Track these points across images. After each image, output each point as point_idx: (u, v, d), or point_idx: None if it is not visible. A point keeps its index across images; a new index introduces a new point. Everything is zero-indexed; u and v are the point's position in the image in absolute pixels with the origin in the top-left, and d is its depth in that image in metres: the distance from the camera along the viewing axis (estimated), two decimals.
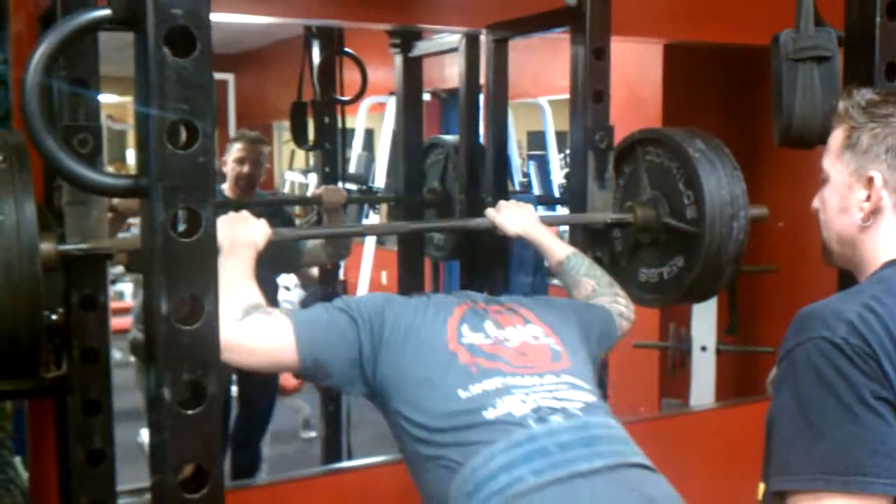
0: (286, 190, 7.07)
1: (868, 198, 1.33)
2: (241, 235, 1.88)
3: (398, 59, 3.14)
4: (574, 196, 2.41)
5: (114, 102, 10.55)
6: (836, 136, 1.37)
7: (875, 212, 1.33)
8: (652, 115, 4.06)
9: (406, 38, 3.12)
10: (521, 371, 1.70)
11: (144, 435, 3.19)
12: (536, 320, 1.86)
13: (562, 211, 4.56)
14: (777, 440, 1.20)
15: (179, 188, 1.19)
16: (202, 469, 1.23)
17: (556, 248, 2.21)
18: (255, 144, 3.54)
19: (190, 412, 1.21)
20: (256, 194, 3.56)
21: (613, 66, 4.15)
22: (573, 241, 2.48)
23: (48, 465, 2.13)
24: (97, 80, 1.88)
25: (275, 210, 3.45)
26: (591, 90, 2.36)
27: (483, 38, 2.82)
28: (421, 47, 3.11)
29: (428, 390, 1.67)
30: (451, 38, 2.95)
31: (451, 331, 1.76)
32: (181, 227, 1.20)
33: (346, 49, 3.76)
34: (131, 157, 10.68)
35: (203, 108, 1.20)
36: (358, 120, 5.99)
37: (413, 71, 3.14)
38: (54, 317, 1.95)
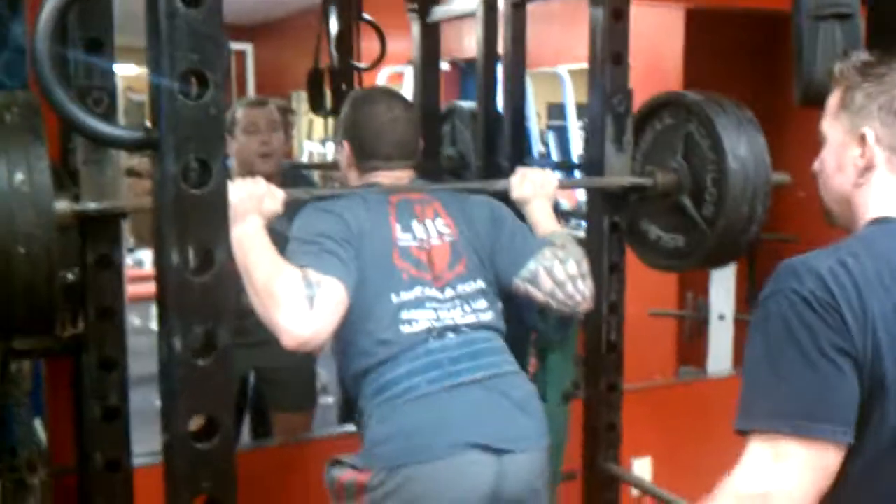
0: (305, 160, 7.07)
1: (862, 154, 1.35)
2: (254, 201, 1.89)
3: (415, 25, 3.11)
4: (591, 160, 2.39)
5: (134, 74, 10.59)
6: (833, 98, 1.39)
7: (868, 168, 1.35)
8: (673, 81, 4.01)
9: (424, 2, 3.09)
10: (434, 283, 2.01)
11: None
12: (444, 214, 2.09)
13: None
14: (744, 383, 1.26)
15: (190, 139, 1.19)
16: (213, 420, 1.24)
17: (546, 223, 2.18)
18: (264, 107, 3.06)
19: (201, 363, 1.22)
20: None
21: (634, 31, 4.11)
22: (590, 207, 2.48)
23: (65, 425, 2.14)
24: (112, 42, 1.88)
25: (297, 179, 3.34)
26: (609, 52, 2.34)
27: (501, 2, 2.80)
28: (438, 12, 3.08)
29: (371, 286, 1.95)
30: (469, 2, 2.92)
31: (393, 231, 2.02)
32: (192, 179, 1.20)
33: (365, 15, 3.74)
34: None
35: (214, 59, 1.20)
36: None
37: (430, 36, 3.12)
38: (71, 276, 1.96)
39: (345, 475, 1.97)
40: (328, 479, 2.01)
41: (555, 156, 6.22)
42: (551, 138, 6.43)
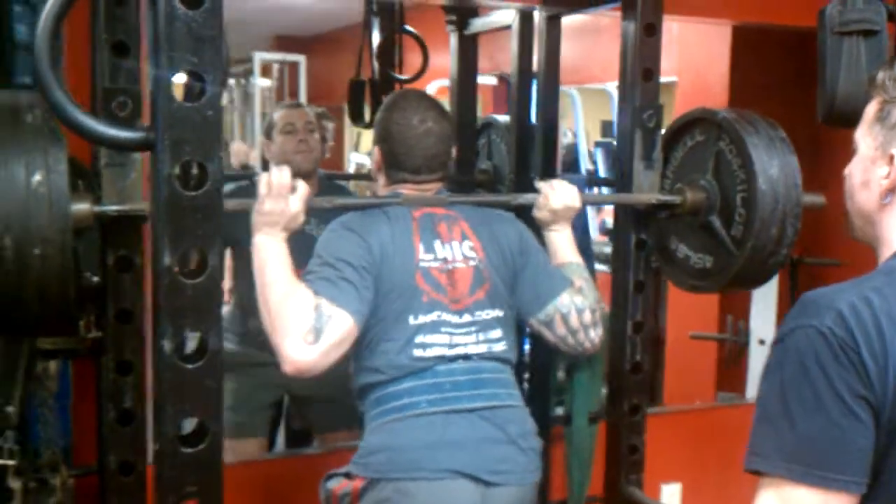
0: (352, 171, 7.09)
1: (887, 175, 1.27)
2: (284, 218, 1.87)
3: (453, 38, 3.11)
4: (620, 176, 2.36)
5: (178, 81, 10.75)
6: (871, 107, 1.31)
7: (892, 190, 1.28)
8: (718, 99, 3.96)
9: (462, 15, 3.09)
10: (451, 306, 2.01)
11: None
12: (472, 235, 2.08)
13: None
14: (755, 418, 1.20)
15: (186, 141, 1.19)
16: (202, 424, 1.24)
17: (564, 252, 2.17)
18: (300, 109, 3.13)
19: (190, 366, 1.22)
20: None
21: (679, 48, 4.07)
22: (617, 223, 2.44)
23: (90, 426, 2.16)
24: (138, 45, 1.89)
25: (333, 189, 3.31)
26: (640, 68, 2.30)
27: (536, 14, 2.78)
28: (476, 25, 3.07)
29: (391, 308, 1.96)
30: (506, 15, 2.90)
31: (416, 252, 2.01)
32: (188, 181, 1.20)
33: (407, 27, 3.74)
34: None
35: (212, 61, 1.20)
36: None
37: (468, 49, 3.11)
38: (96, 278, 1.98)
39: (339, 486, 1.99)
40: (323, 493, 2.03)
41: (602, 173, 6.16)
42: (599, 155, 6.38)
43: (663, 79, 4.44)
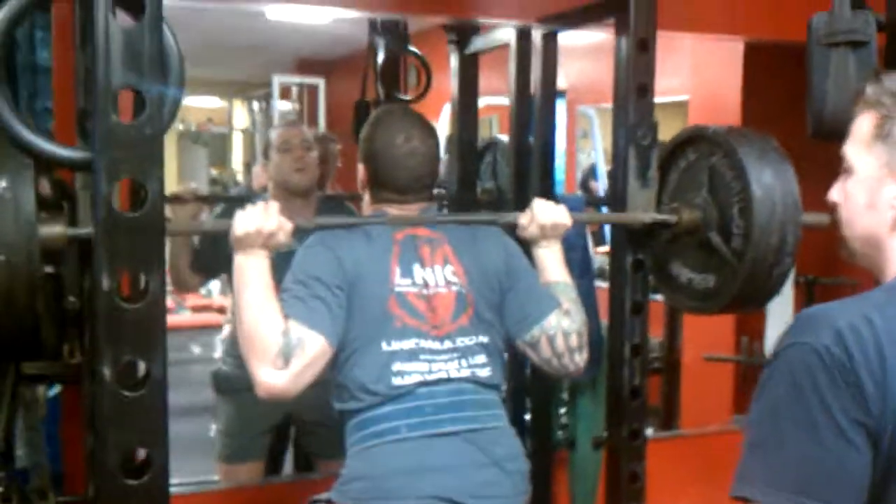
0: None
1: None
2: (262, 237, 1.83)
3: (454, 57, 3.07)
4: (615, 195, 2.29)
5: (216, 107, 10.82)
6: (865, 124, 1.23)
7: None
8: (731, 117, 3.88)
9: (462, 34, 3.05)
10: (431, 332, 1.96)
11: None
12: (455, 260, 2.03)
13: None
14: (744, 442, 1.14)
15: (123, 161, 1.15)
16: (146, 454, 1.19)
17: (552, 270, 2.09)
18: (296, 127, 3.17)
19: (131, 394, 1.17)
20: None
21: (691, 66, 4.00)
22: (614, 244, 2.38)
23: (78, 451, 2.12)
24: None
25: (333, 208, 3.27)
26: (634, 84, 2.24)
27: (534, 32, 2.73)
28: (476, 44, 3.03)
29: (361, 332, 1.92)
30: (506, 33, 2.86)
31: (392, 276, 1.96)
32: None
33: (411, 48, 3.71)
34: (235, 160, 10.90)
35: (152, 77, 1.16)
36: (440, 124, 5.94)
37: (468, 68, 3.06)
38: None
39: None
40: None
41: None
42: None
43: (675, 97, 4.42)
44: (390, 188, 2.06)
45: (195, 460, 3.38)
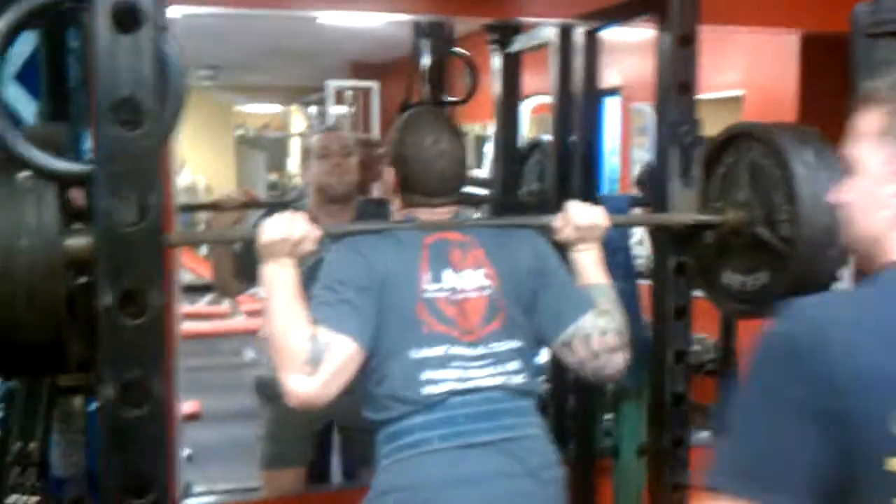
0: None
1: None
2: (288, 245, 1.81)
3: (496, 57, 3.02)
4: (656, 195, 2.22)
5: (273, 112, 10.90)
6: (871, 120, 1.17)
7: None
8: (787, 112, 3.76)
9: (505, 34, 3.00)
10: (461, 337, 1.91)
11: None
12: (486, 263, 1.98)
13: None
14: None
15: (122, 174, 1.12)
16: (146, 476, 1.16)
17: (590, 273, 2.01)
18: (336, 133, 3.09)
19: (134, 413, 1.14)
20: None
21: (747, 60, 3.88)
22: (655, 246, 2.30)
23: None
24: None
25: (372, 213, 3.23)
26: (675, 81, 2.16)
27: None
28: (518, 43, 2.98)
29: (388, 339, 1.88)
30: (549, 32, 2.80)
31: (420, 281, 1.91)
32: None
33: (456, 49, 3.67)
34: (292, 164, 10.98)
35: (150, 89, 1.13)
36: (492, 126, 5.88)
37: (511, 68, 3.01)
38: None
39: None
40: None
41: None
42: None
43: (730, 92, 4.30)
44: (420, 191, 2.03)
45: (248, 467, 3.37)
